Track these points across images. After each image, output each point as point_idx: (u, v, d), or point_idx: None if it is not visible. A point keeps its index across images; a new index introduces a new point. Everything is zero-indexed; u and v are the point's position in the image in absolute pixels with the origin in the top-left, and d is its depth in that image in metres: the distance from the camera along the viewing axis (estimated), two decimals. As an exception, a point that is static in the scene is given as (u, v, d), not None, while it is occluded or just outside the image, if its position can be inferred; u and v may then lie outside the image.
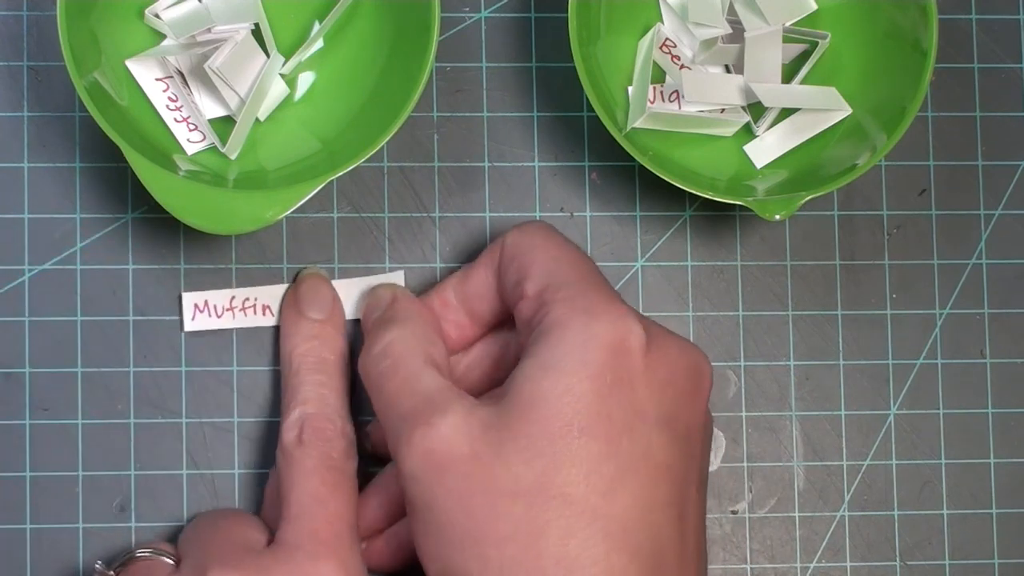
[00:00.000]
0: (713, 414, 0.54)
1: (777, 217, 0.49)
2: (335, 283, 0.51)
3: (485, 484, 0.40)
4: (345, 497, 0.45)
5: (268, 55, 0.51)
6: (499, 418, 0.41)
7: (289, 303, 0.50)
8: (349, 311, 0.51)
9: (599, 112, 0.49)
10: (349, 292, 0.51)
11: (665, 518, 0.41)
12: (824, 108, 0.53)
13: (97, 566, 0.46)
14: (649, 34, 0.54)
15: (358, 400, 0.50)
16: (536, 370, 0.41)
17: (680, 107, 0.53)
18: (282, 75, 0.51)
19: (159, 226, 0.52)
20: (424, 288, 0.51)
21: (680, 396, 0.43)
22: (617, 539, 0.39)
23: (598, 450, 0.40)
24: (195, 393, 0.52)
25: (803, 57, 0.54)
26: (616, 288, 0.54)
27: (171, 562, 0.46)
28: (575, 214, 0.54)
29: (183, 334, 0.52)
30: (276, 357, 0.52)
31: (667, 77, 0.54)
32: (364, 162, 0.47)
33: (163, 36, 0.51)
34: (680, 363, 0.43)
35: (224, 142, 0.50)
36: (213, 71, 0.49)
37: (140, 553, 0.46)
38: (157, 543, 0.48)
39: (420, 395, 0.42)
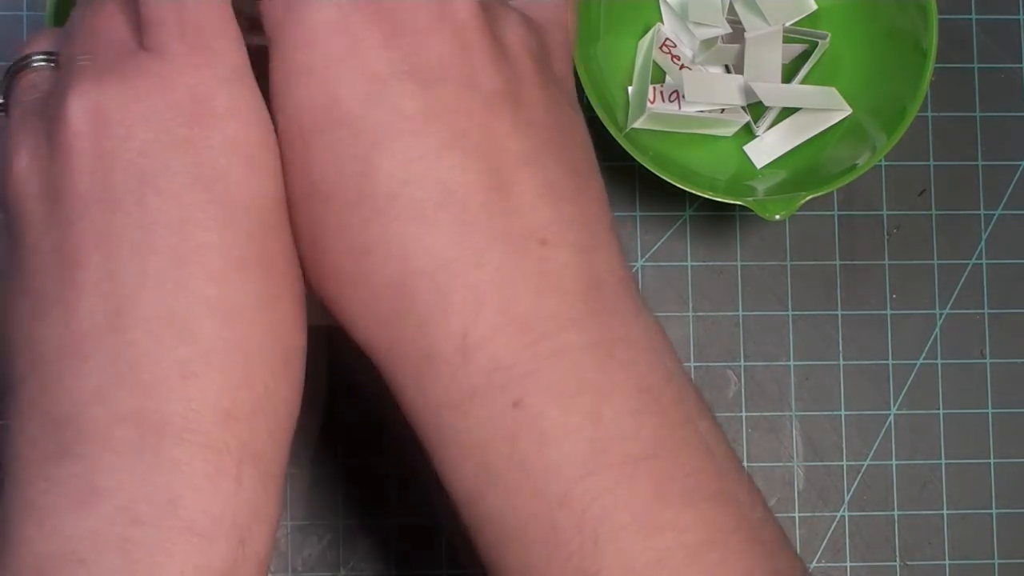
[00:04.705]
0: (713, 414, 0.54)
1: (777, 217, 0.49)
2: None
3: (289, 200, 0.37)
4: None
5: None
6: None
7: None
8: None
9: (599, 112, 0.49)
10: None
11: (444, 165, 0.36)
12: (824, 108, 0.53)
13: None
14: (649, 34, 0.54)
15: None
16: (270, 97, 0.37)
17: (680, 107, 0.53)
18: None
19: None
20: None
21: (424, 35, 0.36)
22: (389, 211, 0.36)
23: (338, 136, 0.36)
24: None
25: (803, 57, 0.54)
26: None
27: (45, 63, 0.39)
28: (575, 214, 0.54)
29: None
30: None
31: (667, 77, 0.54)
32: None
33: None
34: (398, 3, 0.37)
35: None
36: None
37: (30, 62, 0.39)
38: (41, 42, 0.40)
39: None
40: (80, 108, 0.35)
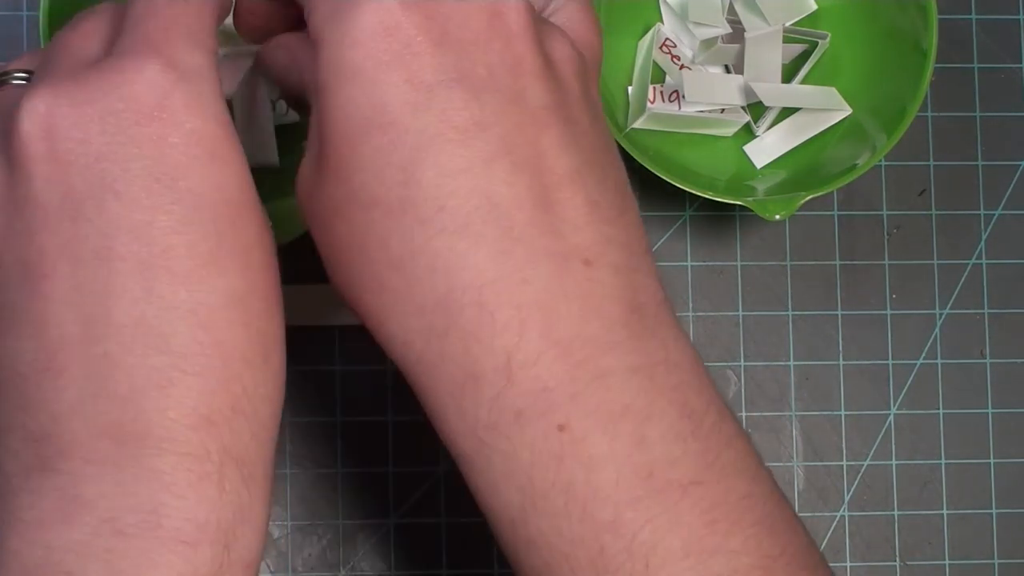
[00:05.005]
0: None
1: (777, 217, 0.49)
2: None
3: (321, 208, 0.36)
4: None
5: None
6: (314, 144, 0.37)
7: None
8: None
9: (599, 112, 0.49)
10: None
11: (490, 179, 0.35)
12: (824, 108, 0.53)
13: None
14: (649, 34, 0.54)
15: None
16: (311, 97, 0.37)
17: (680, 107, 0.53)
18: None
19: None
20: None
21: (471, 43, 0.36)
22: (433, 223, 0.35)
23: (382, 142, 0.35)
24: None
25: (803, 57, 0.54)
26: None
27: (23, 82, 0.39)
28: (575, 214, 0.54)
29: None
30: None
31: (667, 77, 0.54)
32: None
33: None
34: (466, 9, 0.36)
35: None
36: None
37: (8, 79, 0.39)
38: (25, 60, 0.40)
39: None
40: (33, 113, 0.35)
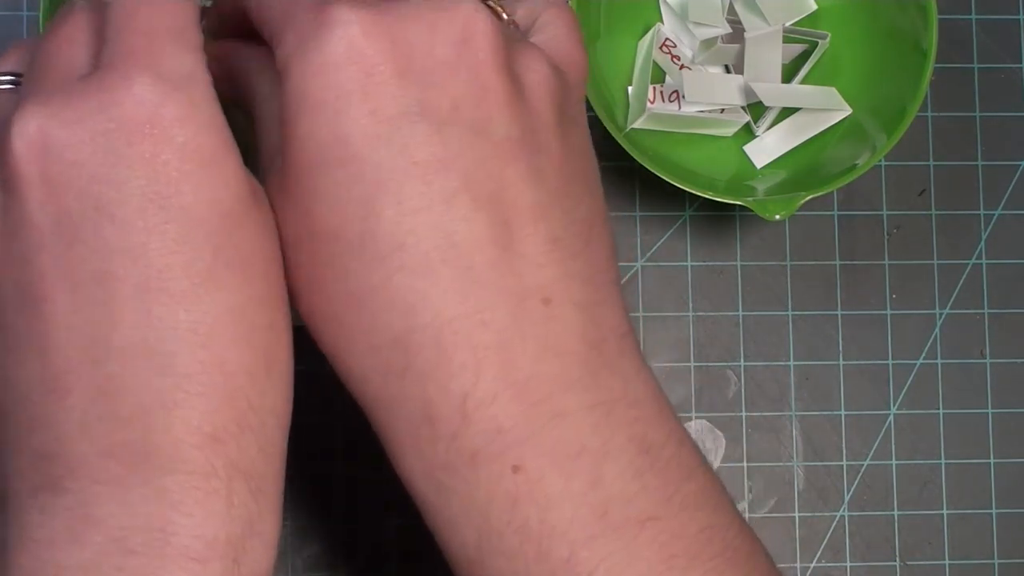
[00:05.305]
0: (714, 414, 0.54)
1: (777, 217, 0.49)
2: None
3: (282, 238, 0.36)
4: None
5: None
6: (274, 174, 0.37)
7: None
8: None
9: (599, 112, 0.49)
10: None
11: (451, 216, 0.34)
12: (824, 108, 0.53)
13: None
14: (649, 34, 0.54)
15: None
16: (272, 126, 0.36)
17: (680, 107, 0.53)
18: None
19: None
20: None
21: (439, 75, 0.35)
22: (392, 261, 0.34)
23: (343, 175, 0.34)
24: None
25: (803, 57, 0.54)
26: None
27: (10, 86, 0.38)
28: (575, 214, 0.54)
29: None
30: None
31: (667, 77, 0.54)
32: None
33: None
34: (432, 39, 0.35)
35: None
36: None
37: None
38: (11, 58, 0.39)
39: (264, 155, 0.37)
40: (24, 133, 0.34)
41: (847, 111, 0.52)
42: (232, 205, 0.35)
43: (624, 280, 0.54)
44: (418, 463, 0.36)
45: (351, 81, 0.35)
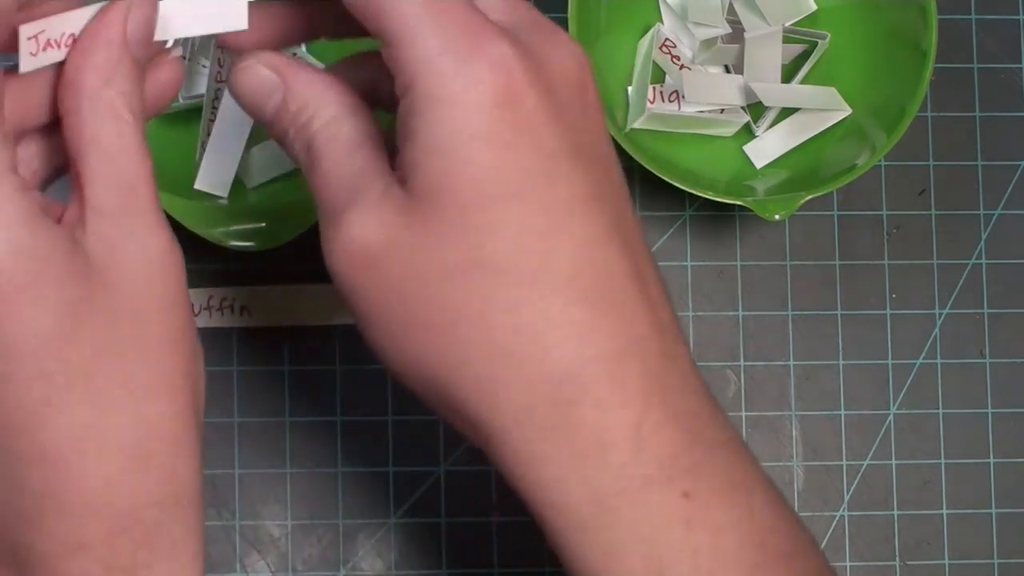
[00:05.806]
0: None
1: (777, 217, 0.49)
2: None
3: (411, 272, 0.36)
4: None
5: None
6: (409, 201, 0.36)
7: None
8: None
9: (599, 112, 0.49)
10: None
11: (611, 251, 0.36)
12: (824, 108, 0.53)
13: None
14: (649, 34, 0.54)
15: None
16: (421, 155, 0.36)
17: (680, 107, 0.53)
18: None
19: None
20: None
21: (575, 114, 0.37)
22: (569, 292, 0.36)
23: (520, 210, 0.35)
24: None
25: (803, 57, 0.54)
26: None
27: None
28: (575, 214, 0.54)
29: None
30: (270, 357, 0.52)
31: (667, 77, 0.54)
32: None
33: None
34: (564, 78, 0.37)
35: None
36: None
37: None
38: None
39: (337, 186, 0.37)
40: None
41: (847, 111, 0.52)
42: (54, 326, 0.34)
43: (624, 280, 0.54)
44: (579, 488, 0.36)
45: (513, 118, 0.35)
